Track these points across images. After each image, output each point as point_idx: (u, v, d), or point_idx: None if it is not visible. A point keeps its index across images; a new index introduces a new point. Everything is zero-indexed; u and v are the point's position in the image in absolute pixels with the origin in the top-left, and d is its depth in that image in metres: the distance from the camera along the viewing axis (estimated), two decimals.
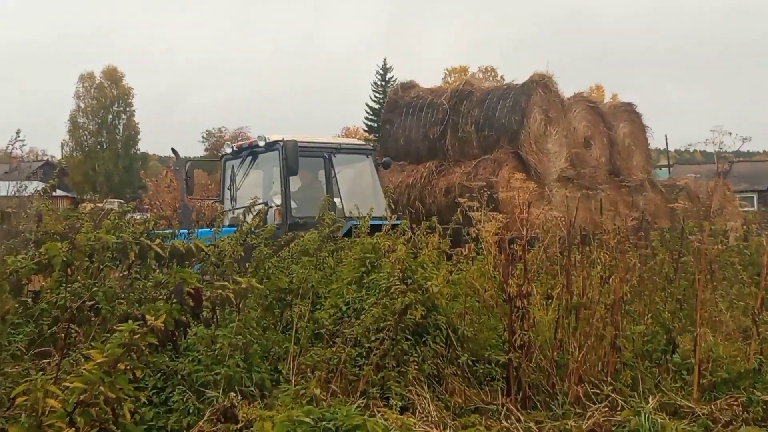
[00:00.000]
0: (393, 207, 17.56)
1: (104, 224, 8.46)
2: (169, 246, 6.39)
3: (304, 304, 8.11)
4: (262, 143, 16.34)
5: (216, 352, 6.96)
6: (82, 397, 4.60)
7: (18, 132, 10.43)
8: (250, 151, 17.05)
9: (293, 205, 15.77)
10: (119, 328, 4.87)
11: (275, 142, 16.13)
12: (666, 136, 71.48)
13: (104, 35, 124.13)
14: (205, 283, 6.29)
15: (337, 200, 15.94)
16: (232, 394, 6.23)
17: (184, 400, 6.49)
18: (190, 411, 6.41)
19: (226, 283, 6.04)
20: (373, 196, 16.91)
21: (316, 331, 8.07)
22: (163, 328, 4.99)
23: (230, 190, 17.10)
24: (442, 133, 21.89)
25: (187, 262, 6.92)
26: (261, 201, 14.44)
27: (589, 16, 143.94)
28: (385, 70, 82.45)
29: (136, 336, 4.80)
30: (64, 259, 5.04)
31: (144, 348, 4.87)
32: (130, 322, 4.88)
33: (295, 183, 16.68)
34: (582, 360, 7.75)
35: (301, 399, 6.52)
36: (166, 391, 6.63)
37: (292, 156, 14.99)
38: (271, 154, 16.44)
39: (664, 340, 8.30)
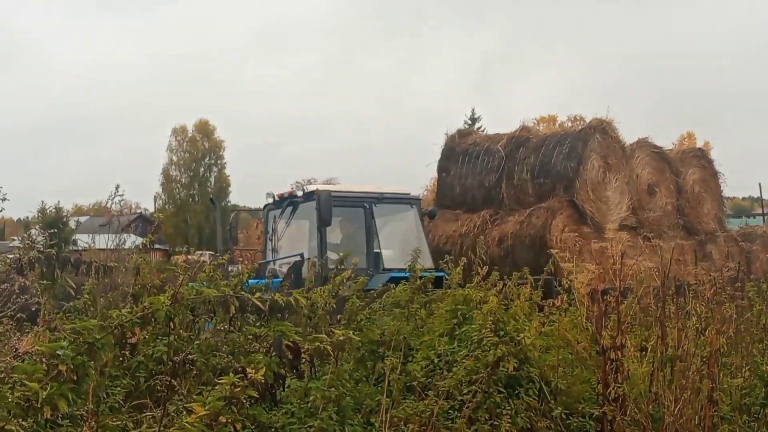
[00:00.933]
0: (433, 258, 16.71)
1: (199, 277, 8.63)
2: (269, 299, 6.49)
3: (396, 356, 8.13)
4: (300, 193, 16.20)
5: (309, 405, 7.01)
6: None
7: (117, 187, 10.67)
8: (290, 201, 16.82)
9: (332, 256, 14.91)
10: (220, 381, 4.95)
11: (312, 192, 15.89)
12: (760, 183, 69.43)
13: (197, 88, 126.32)
14: (302, 336, 6.36)
15: (385, 251, 15.79)
16: None
17: None
18: None
19: (324, 336, 6.11)
20: (417, 246, 16.19)
21: (408, 384, 8.07)
22: (263, 381, 5.07)
23: (271, 241, 16.96)
24: (497, 181, 21.52)
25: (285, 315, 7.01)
26: (297, 253, 14.35)
27: (684, 60, 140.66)
28: (474, 120, 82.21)
29: (237, 389, 4.88)
30: (167, 312, 5.16)
31: (245, 401, 4.96)
32: (231, 374, 4.97)
33: (336, 235, 16.53)
34: (678, 414, 7.62)
35: None
36: None
37: (326, 207, 14.89)
38: (309, 204, 16.19)
39: (763, 393, 8.14)
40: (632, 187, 21.31)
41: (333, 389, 7.11)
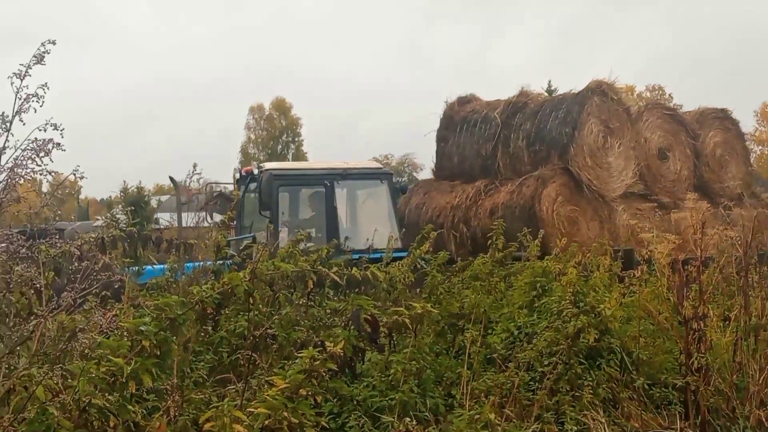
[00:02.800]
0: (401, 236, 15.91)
1: (279, 253, 8.71)
2: (346, 274, 6.53)
3: (476, 329, 8.13)
4: (256, 171, 15.58)
5: (390, 378, 7.04)
6: (266, 422, 4.75)
7: (195, 166, 10.80)
8: (250, 179, 16.09)
9: (284, 235, 14.30)
10: (300, 354, 5.02)
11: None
12: None
13: (278, 70, 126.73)
14: (380, 309, 6.39)
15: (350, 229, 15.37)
16: (407, 419, 6.29)
17: (360, 425, 6.57)
18: None
19: (402, 309, 6.14)
20: (387, 223, 15.86)
21: (488, 356, 8.08)
22: (342, 354, 5.12)
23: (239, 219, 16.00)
24: (493, 150, 20.56)
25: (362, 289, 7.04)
26: (250, 235, 13.71)
27: None
28: (550, 92, 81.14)
29: (317, 362, 4.94)
30: (246, 288, 5.23)
31: (324, 374, 5.01)
32: (311, 348, 5.03)
33: (306, 212, 16.28)
34: (763, 383, 7.50)
35: (476, 424, 6.51)
36: (342, 416, 6.73)
37: (266, 188, 14.37)
38: None
39: None
40: (639, 152, 20.22)
41: (413, 362, 7.13)
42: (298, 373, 4.88)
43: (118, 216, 8.60)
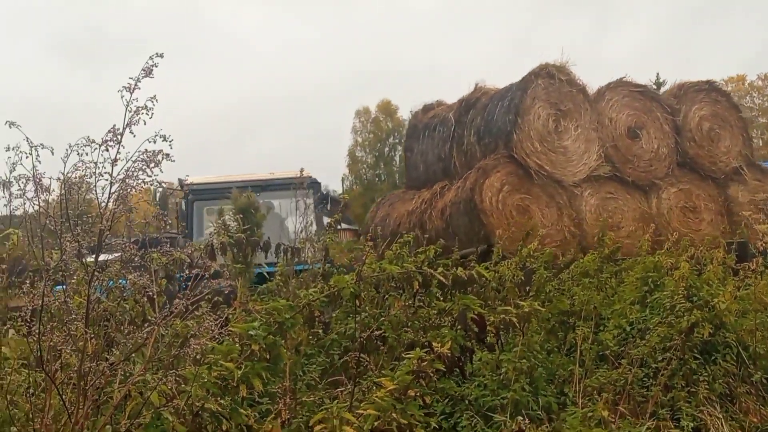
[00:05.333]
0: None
1: (387, 255, 8.76)
2: (452, 274, 6.52)
3: (587, 326, 8.05)
4: (176, 186, 15.63)
5: (501, 377, 7.02)
6: (375, 423, 4.79)
7: (302, 171, 10.92)
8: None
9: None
10: (407, 355, 5.04)
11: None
12: None
13: (385, 71, 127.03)
14: (488, 309, 6.38)
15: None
16: (520, 417, 6.25)
17: (473, 424, 6.56)
18: None
19: (509, 308, 6.12)
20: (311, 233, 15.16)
21: (600, 353, 8.00)
22: (449, 354, 5.13)
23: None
24: (449, 150, 19.87)
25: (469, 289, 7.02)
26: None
27: None
28: (659, 84, 79.62)
29: (424, 363, 4.95)
30: (352, 290, 5.28)
31: (432, 374, 5.03)
32: (418, 349, 5.05)
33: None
34: None
35: (589, 422, 6.44)
36: (454, 416, 6.73)
37: (185, 203, 14.42)
38: None
39: None
40: (604, 133, 19.02)
41: (524, 360, 7.10)
42: (405, 374, 4.90)
43: (228, 223, 8.71)
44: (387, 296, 7.71)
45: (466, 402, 6.81)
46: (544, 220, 17.22)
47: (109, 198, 4.44)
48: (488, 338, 6.07)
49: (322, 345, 7.44)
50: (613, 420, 6.55)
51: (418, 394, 4.91)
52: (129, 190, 4.44)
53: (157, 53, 4.43)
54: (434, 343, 5.11)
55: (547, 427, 6.68)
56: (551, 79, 18.60)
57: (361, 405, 5.01)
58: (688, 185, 19.50)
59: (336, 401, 5.35)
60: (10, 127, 4.27)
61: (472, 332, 5.70)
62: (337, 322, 7.57)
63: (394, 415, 4.76)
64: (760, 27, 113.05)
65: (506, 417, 6.55)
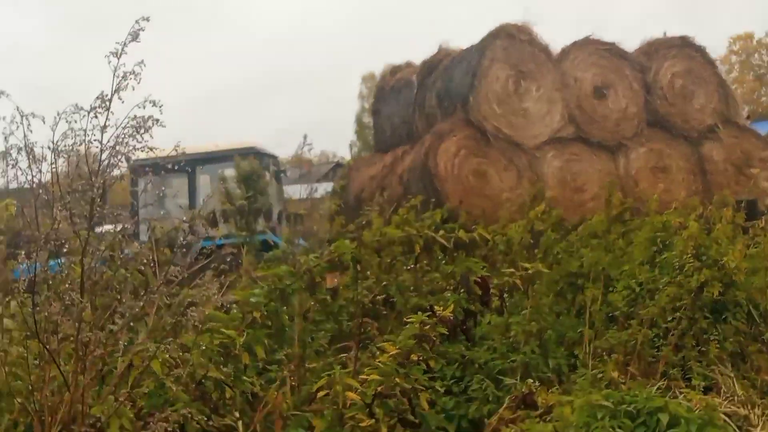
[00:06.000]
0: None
1: (393, 219, 8.70)
2: (453, 236, 6.46)
3: (596, 288, 7.99)
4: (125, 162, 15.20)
5: (511, 340, 6.99)
6: (379, 389, 4.76)
7: (305, 137, 10.88)
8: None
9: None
10: (409, 320, 5.00)
11: None
12: None
13: (391, 36, 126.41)
14: (494, 272, 6.33)
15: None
16: (530, 380, 6.22)
17: (483, 388, 6.52)
18: (490, 399, 6.44)
19: (513, 270, 6.07)
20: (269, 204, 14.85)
21: (610, 314, 7.93)
22: (452, 318, 5.08)
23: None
24: (412, 113, 19.26)
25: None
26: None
27: None
28: None
29: (426, 327, 4.91)
30: (353, 255, 5.23)
31: (435, 338, 4.98)
32: (420, 313, 5.01)
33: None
34: None
35: (600, 383, 6.41)
36: (464, 380, 6.69)
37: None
38: None
39: None
40: (568, 93, 18.42)
41: (533, 323, 7.06)
42: (408, 339, 4.86)
43: (232, 190, 8.68)
44: (394, 261, 7.67)
45: (476, 365, 6.78)
46: (502, 185, 16.84)
47: (99, 166, 4.40)
48: (494, 302, 6.02)
49: (330, 311, 7.41)
50: (623, 381, 6.51)
51: (421, 358, 4.88)
52: (120, 157, 4.40)
53: (143, 17, 4.37)
54: (436, 307, 5.06)
55: (557, 388, 6.65)
56: (511, 39, 18.12)
57: (366, 370, 4.98)
58: (658, 145, 18.94)
59: (337, 367, 5.32)
60: None
61: (476, 295, 5.64)
62: (345, 288, 7.53)
63: (397, 380, 4.72)
64: None
65: (516, 380, 6.52)
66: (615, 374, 6.48)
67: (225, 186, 9.14)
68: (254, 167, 10.53)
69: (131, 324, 5.01)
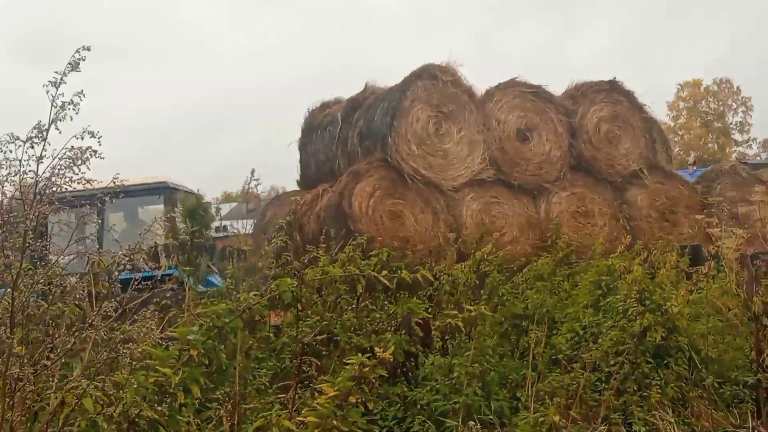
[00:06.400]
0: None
1: (340, 257, 8.65)
2: (396, 277, 6.42)
3: (540, 330, 8.00)
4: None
5: (453, 381, 6.95)
6: (316, 431, 4.68)
7: (252, 171, 10.79)
8: None
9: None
10: (348, 361, 4.94)
11: None
12: None
13: (346, 70, 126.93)
14: (439, 313, 6.29)
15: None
16: (472, 422, 6.18)
17: (425, 429, 6.50)
18: None
19: (455, 312, 6.03)
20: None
21: (553, 357, 7.94)
22: (392, 359, 5.02)
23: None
24: (335, 151, 18.86)
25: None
26: None
27: None
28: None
29: (366, 368, 4.85)
30: (294, 293, 5.17)
31: (374, 380, 4.92)
32: (359, 355, 4.94)
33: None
34: None
35: (541, 426, 6.37)
36: (406, 421, 6.65)
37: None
38: None
39: None
40: (490, 135, 18.16)
41: (476, 365, 7.03)
42: (347, 380, 4.79)
43: (176, 225, 8.58)
44: (338, 299, 7.61)
45: (418, 406, 6.73)
46: (418, 226, 16.60)
47: (34, 197, 4.32)
48: (436, 342, 5.97)
49: (273, 348, 7.32)
50: (564, 425, 6.48)
51: (360, 400, 4.81)
52: (54, 188, 4.33)
53: (84, 46, 4.32)
54: (376, 348, 5.00)
55: (498, 431, 6.63)
56: (433, 80, 17.86)
57: (303, 412, 4.90)
58: (581, 189, 18.80)
59: (274, 408, 5.24)
60: None
61: (417, 336, 5.59)
62: (288, 326, 7.45)
63: (334, 422, 4.65)
64: (723, 30, 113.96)
65: (458, 422, 6.48)
66: (557, 418, 6.43)
67: (167, 219, 9.01)
68: (200, 202, 10.47)
69: (65, 360, 4.91)
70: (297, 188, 20.15)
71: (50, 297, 5.23)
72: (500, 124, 18.48)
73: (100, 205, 13.44)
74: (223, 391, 5.59)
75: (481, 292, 8.97)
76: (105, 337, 4.95)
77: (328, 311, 7.59)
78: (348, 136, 18.39)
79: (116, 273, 5.10)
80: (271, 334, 7.44)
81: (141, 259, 5.55)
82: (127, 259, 5.34)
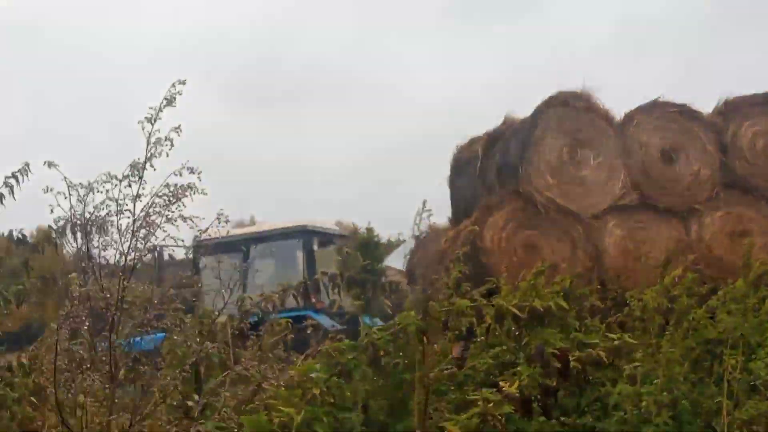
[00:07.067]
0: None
1: (520, 286, 8.46)
2: (527, 306, 6.17)
3: (736, 354, 7.55)
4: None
5: (642, 410, 6.69)
6: None
7: (424, 203, 10.87)
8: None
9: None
10: (473, 396, 4.81)
11: None
12: None
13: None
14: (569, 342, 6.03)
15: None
16: None
17: None
18: None
19: (597, 341, 5.76)
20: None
21: (751, 383, 7.49)
22: (517, 394, 4.85)
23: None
24: (477, 187, 18.16)
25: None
26: None
27: None
28: None
29: (491, 405, 4.69)
30: (418, 327, 5.08)
31: (501, 417, 4.75)
32: (484, 390, 4.80)
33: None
34: None
35: None
36: None
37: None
38: None
39: None
40: (632, 159, 17.08)
41: (665, 393, 6.75)
42: (471, 418, 4.65)
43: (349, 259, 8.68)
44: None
45: None
46: (555, 256, 15.90)
47: (132, 236, 4.39)
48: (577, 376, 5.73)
49: (457, 382, 7.24)
50: None
51: None
52: (152, 228, 4.37)
53: (179, 80, 4.33)
54: (502, 383, 4.83)
55: None
56: (566, 107, 17.29)
57: None
58: (737, 207, 17.47)
59: None
60: (49, 167, 4.29)
61: (553, 369, 5.37)
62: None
63: None
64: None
65: None
66: None
67: (344, 253, 9.15)
68: (372, 236, 10.57)
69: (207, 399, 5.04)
70: (449, 225, 20.17)
71: (200, 339, 5.40)
72: (642, 147, 17.63)
73: (243, 249, 14.00)
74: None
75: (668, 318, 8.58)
76: (247, 375, 5.06)
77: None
78: (487, 171, 18.20)
79: (259, 312, 5.21)
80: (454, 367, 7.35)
81: (292, 296, 5.65)
82: (276, 296, 5.45)
